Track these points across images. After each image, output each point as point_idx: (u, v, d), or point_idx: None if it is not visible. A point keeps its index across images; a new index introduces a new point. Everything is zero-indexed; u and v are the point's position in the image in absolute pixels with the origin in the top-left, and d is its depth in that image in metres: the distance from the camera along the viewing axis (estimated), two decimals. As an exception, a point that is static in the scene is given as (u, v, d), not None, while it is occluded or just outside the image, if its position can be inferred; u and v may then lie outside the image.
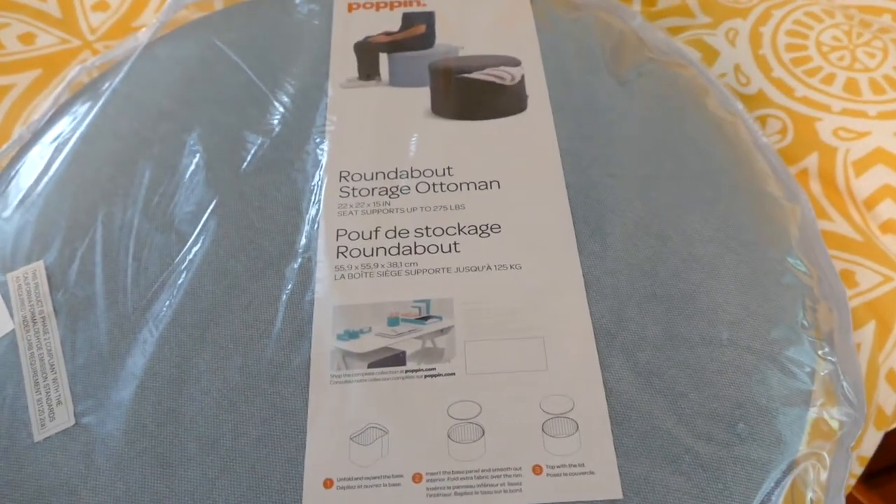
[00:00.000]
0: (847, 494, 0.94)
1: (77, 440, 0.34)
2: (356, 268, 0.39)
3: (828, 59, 0.55)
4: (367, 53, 0.48)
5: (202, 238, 0.40)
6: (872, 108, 0.52)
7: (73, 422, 0.35)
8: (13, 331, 0.37)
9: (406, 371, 0.35)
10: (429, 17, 0.50)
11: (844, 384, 0.37)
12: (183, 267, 0.39)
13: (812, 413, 0.36)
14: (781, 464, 0.34)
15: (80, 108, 0.47)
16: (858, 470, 0.50)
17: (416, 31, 0.49)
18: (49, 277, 0.40)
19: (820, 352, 0.37)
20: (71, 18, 0.59)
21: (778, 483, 0.34)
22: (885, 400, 0.48)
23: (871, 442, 0.49)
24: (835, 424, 0.36)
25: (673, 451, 0.33)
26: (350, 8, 0.51)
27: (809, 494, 0.34)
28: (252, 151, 0.43)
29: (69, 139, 0.45)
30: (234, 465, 0.33)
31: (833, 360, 0.38)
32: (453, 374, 0.35)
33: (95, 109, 0.46)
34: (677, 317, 0.37)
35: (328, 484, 0.33)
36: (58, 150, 0.45)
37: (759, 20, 0.57)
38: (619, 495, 0.32)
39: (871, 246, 0.48)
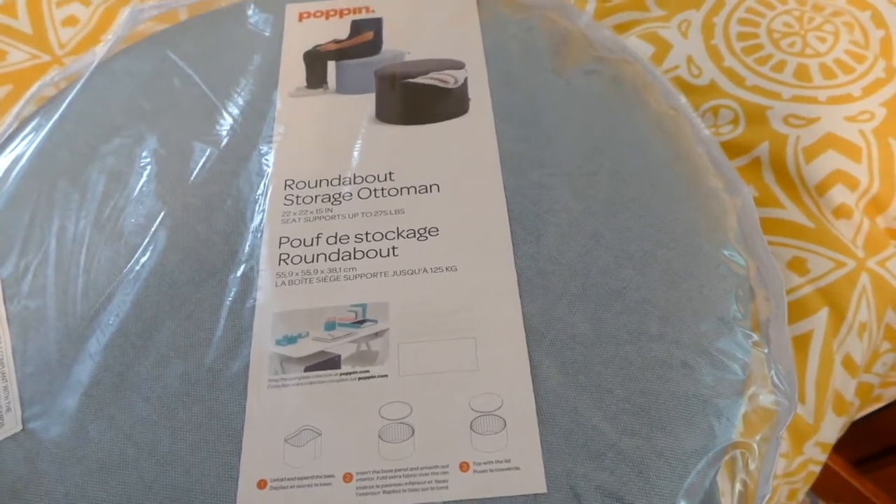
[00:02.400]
0: (839, 478, 0.93)
1: (22, 446, 0.36)
2: (297, 274, 0.40)
3: (779, 46, 0.55)
4: (315, 62, 0.49)
5: (150, 249, 0.41)
6: (822, 93, 0.52)
7: (20, 427, 0.36)
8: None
9: (340, 374, 0.36)
10: (377, 24, 0.50)
11: (775, 373, 0.37)
12: (130, 278, 0.40)
13: (742, 403, 0.37)
14: (708, 455, 0.35)
15: (39, 123, 0.48)
16: (822, 457, 0.51)
17: (364, 39, 0.50)
18: (4, 289, 0.41)
19: (751, 342, 0.38)
20: (41, 34, 0.61)
21: (703, 475, 0.34)
22: (843, 386, 0.48)
23: (831, 429, 0.49)
24: (765, 414, 0.37)
25: (597, 447, 0.34)
26: (300, 17, 0.52)
27: (738, 485, 0.35)
28: (200, 163, 0.45)
29: (26, 154, 0.46)
30: (170, 470, 0.34)
31: (765, 350, 0.38)
32: (386, 376, 0.36)
33: (51, 124, 0.47)
34: (606, 314, 0.38)
35: (262, 485, 0.34)
36: (15, 164, 0.46)
37: (711, 10, 0.57)
38: (543, 489, 0.33)
39: (824, 232, 0.48)
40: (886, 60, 0.55)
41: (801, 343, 0.47)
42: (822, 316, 0.47)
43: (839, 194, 0.49)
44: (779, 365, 0.38)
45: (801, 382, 0.46)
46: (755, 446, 0.36)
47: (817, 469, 0.52)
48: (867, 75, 0.53)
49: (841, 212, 0.49)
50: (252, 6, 0.53)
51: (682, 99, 0.48)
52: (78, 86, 0.50)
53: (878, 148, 0.50)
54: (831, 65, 0.53)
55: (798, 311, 0.47)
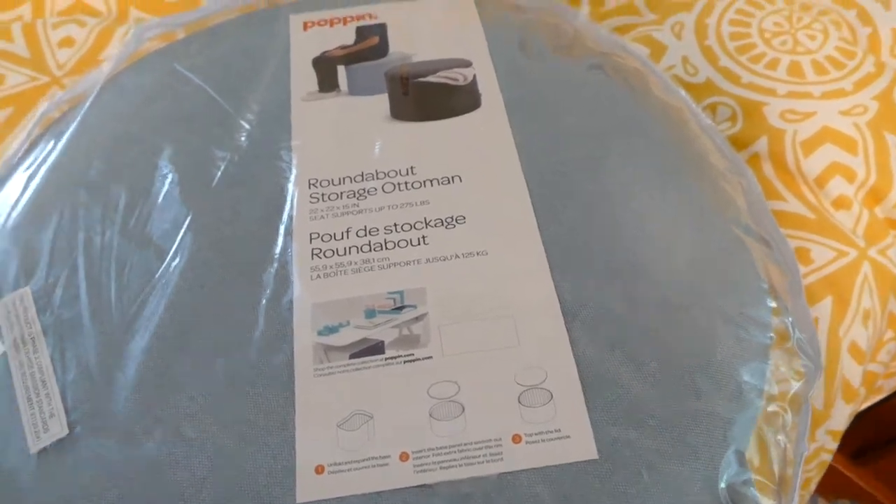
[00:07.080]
0: (837, 473, 0.93)
1: (71, 451, 0.35)
2: (331, 267, 0.41)
3: (770, 45, 0.57)
4: (325, 67, 0.50)
5: (179, 254, 0.42)
6: (817, 88, 0.54)
7: (66, 431, 0.36)
8: (4, 353, 0.38)
9: (386, 359, 0.37)
10: (381, 29, 0.52)
11: (800, 338, 0.39)
12: (163, 282, 0.41)
13: (770, 367, 0.38)
14: (744, 418, 0.36)
15: (52, 141, 0.48)
16: (832, 445, 0.52)
17: (370, 43, 0.51)
18: (36, 301, 0.41)
19: (774, 308, 0.39)
20: (38, 56, 0.61)
21: (742, 436, 0.36)
22: (851, 373, 0.49)
23: (841, 416, 0.50)
24: (793, 376, 0.38)
25: (639, 415, 0.35)
26: (305, 26, 0.53)
27: (777, 442, 0.36)
28: (221, 168, 0.45)
29: (41, 170, 0.46)
30: (222, 465, 0.34)
31: (787, 318, 0.40)
32: (431, 357, 0.37)
33: (65, 140, 0.48)
34: (634, 290, 0.39)
35: (320, 470, 0.34)
36: (31, 181, 0.46)
37: (703, 12, 0.60)
38: (594, 456, 0.34)
39: (825, 222, 0.50)
40: (875, 56, 0.57)
41: (809, 331, 0.48)
42: (827, 304, 0.48)
43: (838, 186, 0.51)
44: (802, 331, 0.39)
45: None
46: (787, 408, 0.37)
47: (828, 458, 0.53)
48: (858, 70, 0.55)
49: (840, 203, 0.51)
50: (254, 18, 0.54)
51: (682, 92, 0.50)
52: (88, 102, 0.50)
53: (874, 140, 0.52)
54: (823, 61, 0.56)
55: (804, 299, 0.48)
